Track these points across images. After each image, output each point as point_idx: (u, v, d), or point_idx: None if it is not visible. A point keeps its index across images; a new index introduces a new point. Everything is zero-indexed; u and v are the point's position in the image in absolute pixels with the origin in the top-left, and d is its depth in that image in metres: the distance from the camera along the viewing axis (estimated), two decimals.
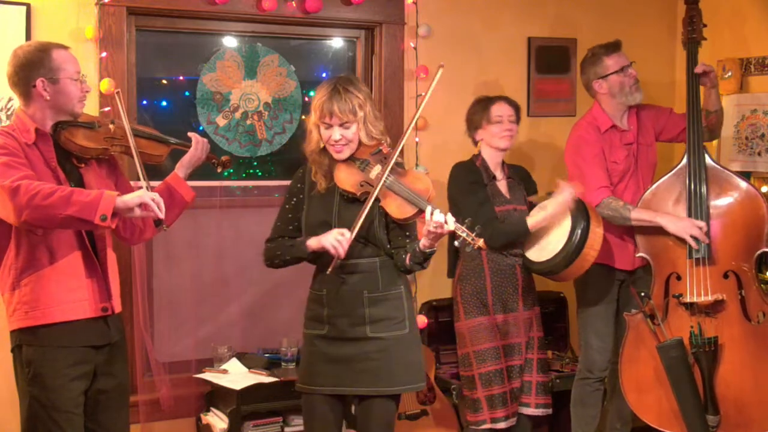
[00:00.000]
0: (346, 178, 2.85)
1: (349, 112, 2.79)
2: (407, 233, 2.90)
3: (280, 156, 4.10)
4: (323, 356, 2.87)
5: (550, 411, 3.62)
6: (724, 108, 3.88)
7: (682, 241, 3.42)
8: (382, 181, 2.79)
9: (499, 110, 3.57)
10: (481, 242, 2.66)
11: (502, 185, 3.60)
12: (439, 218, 2.64)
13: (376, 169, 2.84)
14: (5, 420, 3.35)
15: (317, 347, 2.89)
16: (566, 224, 3.42)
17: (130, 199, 2.52)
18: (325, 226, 2.84)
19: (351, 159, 2.87)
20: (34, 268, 2.66)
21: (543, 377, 3.60)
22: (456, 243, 2.69)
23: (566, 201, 3.36)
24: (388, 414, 2.93)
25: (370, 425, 2.90)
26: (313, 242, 2.83)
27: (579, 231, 3.36)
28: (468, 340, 3.52)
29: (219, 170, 3.14)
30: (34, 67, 2.66)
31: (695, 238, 3.38)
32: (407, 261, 2.85)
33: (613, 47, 3.69)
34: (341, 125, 2.81)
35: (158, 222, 2.65)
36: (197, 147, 2.99)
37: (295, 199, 2.95)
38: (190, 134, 3.02)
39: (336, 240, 2.74)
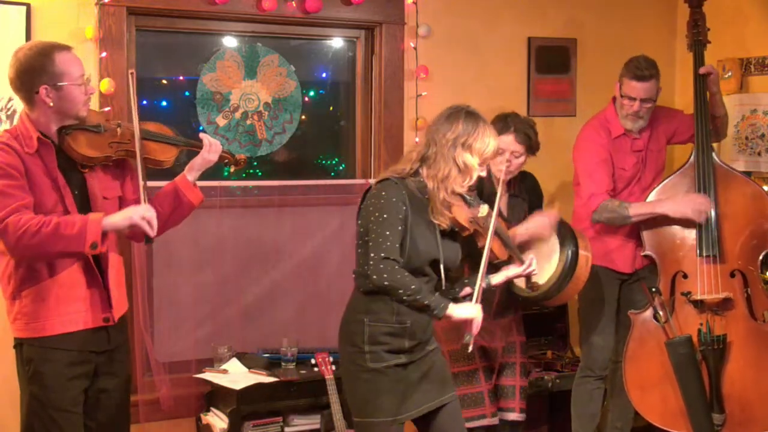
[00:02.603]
0: (461, 212, 2.81)
1: None
2: None
3: (280, 156, 4.10)
4: (405, 382, 2.80)
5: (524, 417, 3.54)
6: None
7: (690, 238, 3.43)
8: (492, 224, 2.84)
9: (504, 143, 3.36)
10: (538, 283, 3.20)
11: (501, 202, 3.43)
12: (535, 267, 3.04)
13: (483, 209, 2.86)
14: (4, 420, 3.35)
15: (397, 375, 2.79)
16: (555, 252, 3.32)
17: (118, 220, 2.56)
18: (434, 264, 2.80)
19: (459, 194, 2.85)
20: (34, 279, 2.63)
21: (524, 382, 3.54)
22: (528, 287, 3.18)
23: (539, 227, 3.26)
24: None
25: (459, 425, 2.93)
26: (457, 312, 2.75)
27: (569, 259, 3.24)
28: (442, 339, 3.42)
29: (232, 170, 3.01)
30: (36, 73, 2.57)
31: (700, 213, 3.40)
32: (461, 294, 2.97)
33: (639, 77, 3.56)
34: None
35: (147, 239, 2.61)
36: (209, 149, 2.87)
37: (403, 224, 2.73)
38: (201, 135, 2.91)
39: (477, 325, 2.77)
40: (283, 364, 3.79)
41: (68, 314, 2.66)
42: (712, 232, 3.43)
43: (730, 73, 4.25)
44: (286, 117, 4.06)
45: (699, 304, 3.42)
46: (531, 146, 3.43)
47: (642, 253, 3.59)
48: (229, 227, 3.95)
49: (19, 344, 2.71)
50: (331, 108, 4.29)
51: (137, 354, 3.65)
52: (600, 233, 3.66)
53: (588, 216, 3.62)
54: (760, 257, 3.44)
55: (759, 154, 4.19)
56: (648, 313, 3.50)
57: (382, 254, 2.67)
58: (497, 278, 3.01)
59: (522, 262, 3.02)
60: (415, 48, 4.05)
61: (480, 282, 2.82)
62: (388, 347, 2.77)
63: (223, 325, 3.97)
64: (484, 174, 2.85)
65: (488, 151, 2.79)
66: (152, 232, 2.56)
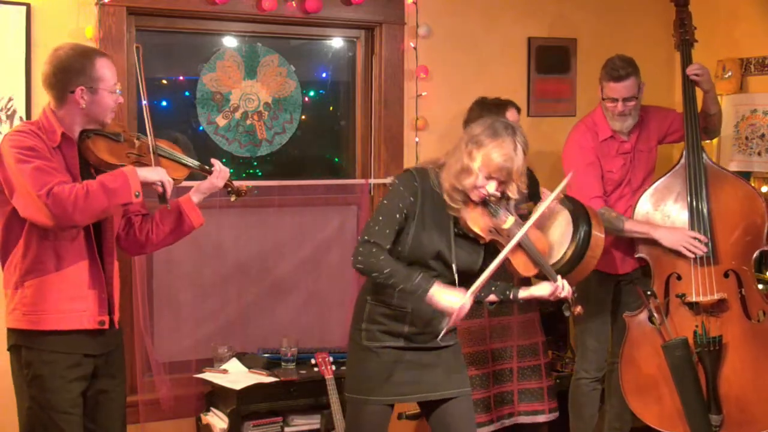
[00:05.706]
0: (476, 219, 2.69)
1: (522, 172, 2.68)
2: None
3: (280, 156, 4.10)
4: (403, 364, 2.78)
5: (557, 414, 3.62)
6: (724, 108, 3.88)
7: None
8: (517, 238, 2.66)
9: (512, 118, 3.40)
10: (579, 309, 2.83)
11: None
12: (568, 291, 2.81)
13: (510, 221, 2.72)
14: (1, 420, 3.35)
15: (390, 357, 2.77)
16: (567, 229, 3.27)
17: (149, 174, 2.65)
18: (438, 259, 2.73)
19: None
20: (39, 271, 2.63)
21: (551, 381, 3.61)
22: (564, 309, 2.84)
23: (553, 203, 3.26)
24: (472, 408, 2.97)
25: (465, 423, 2.89)
26: (437, 299, 2.63)
27: (581, 236, 3.19)
28: (462, 341, 3.45)
29: (232, 199, 3.02)
30: (76, 73, 2.62)
31: (690, 249, 3.39)
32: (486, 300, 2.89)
33: (616, 78, 3.58)
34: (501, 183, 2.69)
35: (163, 198, 2.70)
36: (218, 175, 2.90)
37: (406, 212, 2.69)
38: (213, 161, 2.93)
39: (458, 316, 2.63)
40: (283, 364, 3.80)
41: (67, 312, 2.65)
42: (705, 233, 3.43)
43: (729, 73, 4.25)
44: (286, 117, 4.06)
45: (694, 306, 3.43)
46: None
47: (635, 255, 3.59)
48: (229, 227, 3.96)
49: (16, 347, 2.69)
50: (331, 108, 4.30)
51: (137, 354, 3.65)
52: None
53: None
54: (754, 256, 3.44)
55: (759, 154, 4.19)
56: (643, 315, 3.50)
57: (366, 237, 2.70)
58: (523, 293, 2.85)
59: (555, 281, 2.81)
60: (415, 48, 4.05)
61: (484, 279, 2.63)
62: (384, 328, 2.78)
63: (223, 325, 3.97)
64: (492, 190, 2.65)
65: (493, 161, 2.62)
66: (168, 194, 2.68)
